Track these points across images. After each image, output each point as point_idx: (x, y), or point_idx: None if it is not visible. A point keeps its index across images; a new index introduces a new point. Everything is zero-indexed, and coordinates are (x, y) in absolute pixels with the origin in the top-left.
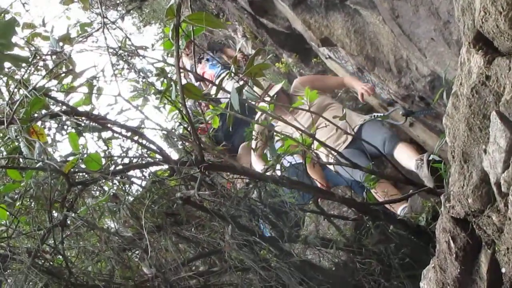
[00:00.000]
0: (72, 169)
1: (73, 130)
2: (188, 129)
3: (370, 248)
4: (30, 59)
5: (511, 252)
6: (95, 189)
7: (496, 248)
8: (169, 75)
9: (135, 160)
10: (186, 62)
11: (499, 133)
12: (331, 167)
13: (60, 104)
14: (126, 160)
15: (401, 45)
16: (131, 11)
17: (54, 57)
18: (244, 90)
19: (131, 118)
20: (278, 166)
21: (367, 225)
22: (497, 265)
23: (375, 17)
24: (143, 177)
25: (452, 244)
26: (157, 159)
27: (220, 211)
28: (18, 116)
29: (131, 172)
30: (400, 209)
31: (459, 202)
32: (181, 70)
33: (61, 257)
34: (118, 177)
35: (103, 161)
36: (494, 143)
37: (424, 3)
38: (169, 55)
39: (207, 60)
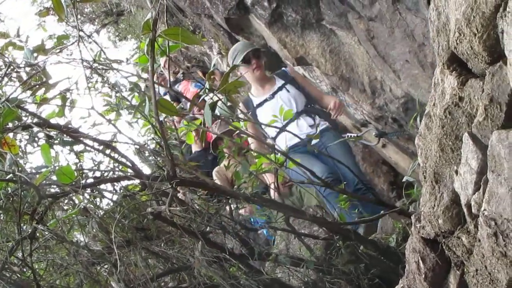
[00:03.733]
0: (43, 181)
1: (45, 142)
2: (161, 144)
3: (340, 268)
4: (3, 70)
5: (480, 273)
6: (65, 202)
7: (465, 270)
8: (144, 90)
9: (106, 174)
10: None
11: (471, 154)
12: None
13: (33, 116)
14: (98, 174)
15: (376, 66)
16: (107, 25)
17: (28, 68)
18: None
19: (103, 131)
20: None
21: (338, 245)
22: (465, 286)
23: (351, 38)
24: (114, 191)
25: (421, 265)
26: (129, 174)
27: (190, 227)
28: None
29: (102, 186)
30: None
31: (430, 222)
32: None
33: (29, 270)
34: (89, 191)
35: (75, 174)
36: (465, 164)
37: (399, 25)
38: (143, 70)
39: (193, 79)
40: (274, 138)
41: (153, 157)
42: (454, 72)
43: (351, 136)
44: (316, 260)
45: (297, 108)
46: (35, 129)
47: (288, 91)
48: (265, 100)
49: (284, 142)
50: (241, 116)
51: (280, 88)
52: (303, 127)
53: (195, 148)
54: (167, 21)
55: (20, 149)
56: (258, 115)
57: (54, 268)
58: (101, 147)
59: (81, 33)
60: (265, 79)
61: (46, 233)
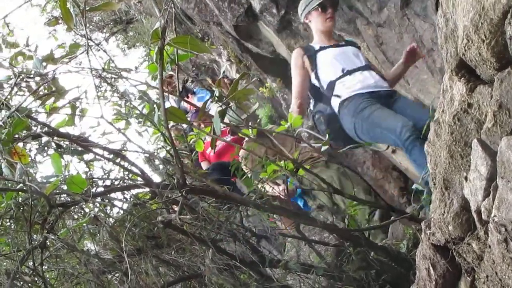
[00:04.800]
0: (53, 191)
1: (54, 151)
2: (171, 152)
3: (350, 275)
4: (13, 80)
5: (490, 280)
6: (76, 211)
7: (476, 276)
8: (153, 99)
9: (116, 183)
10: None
11: (480, 160)
12: None
13: (42, 125)
14: (108, 182)
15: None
16: (116, 33)
17: (37, 78)
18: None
19: (113, 140)
20: None
21: (348, 251)
22: None
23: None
24: (124, 200)
25: (432, 271)
26: (139, 182)
27: (201, 235)
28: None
29: (112, 195)
30: None
31: (440, 229)
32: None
33: (40, 279)
34: (99, 199)
35: (87, 183)
36: (475, 170)
37: (408, 31)
38: (153, 78)
39: (194, 93)
40: (333, 82)
41: (163, 166)
42: (462, 78)
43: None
44: (327, 267)
45: (365, 62)
46: (45, 138)
47: (355, 48)
48: (330, 46)
49: (353, 85)
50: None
51: (347, 44)
52: (378, 80)
53: (205, 165)
54: (176, 29)
55: (30, 159)
56: (317, 58)
57: (65, 277)
58: (111, 156)
59: (90, 42)
60: (332, 34)
61: (57, 242)
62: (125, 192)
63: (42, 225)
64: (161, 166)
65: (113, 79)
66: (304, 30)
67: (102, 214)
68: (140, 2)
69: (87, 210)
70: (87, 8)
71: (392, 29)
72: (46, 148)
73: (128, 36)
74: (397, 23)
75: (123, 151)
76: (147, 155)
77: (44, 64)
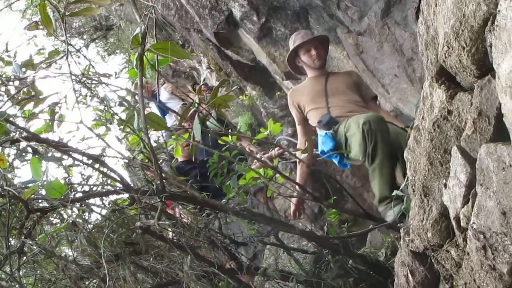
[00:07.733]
0: (31, 196)
1: (32, 157)
2: (150, 158)
3: (329, 282)
4: None
5: (468, 287)
6: (54, 217)
7: (454, 283)
8: (133, 105)
9: (95, 188)
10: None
11: (460, 168)
12: None
13: (21, 130)
14: (86, 188)
15: (365, 80)
16: (96, 39)
17: (17, 82)
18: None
19: (92, 146)
20: None
21: (327, 259)
22: None
23: (340, 52)
24: (103, 205)
25: (410, 278)
26: (118, 188)
27: (179, 241)
28: None
29: (91, 200)
30: None
31: (419, 236)
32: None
33: (17, 284)
34: (78, 205)
35: (65, 188)
36: (454, 177)
37: (388, 40)
38: (133, 84)
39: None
40: None
41: (142, 171)
42: (442, 85)
43: None
44: (305, 274)
45: None
46: (23, 143)
47: None
48: None
49: None
50: None
51: None
52: None
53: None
54: (156, 35)
55: (8, 164)
56: None
57: (42, 283)
58: (90, 161)
59: (70, 48)
60: None
61: (35, 247)
62: (104, 197)
63: (19, 230)
64: (140, 172)
65: (92, 85)
66: (285, 38)
67: (81, 220)
68: (122, 4)
69: (65, 215)
70: (67, 13)
71: (372, 38)
72: (24, 153)
73: (108, 43)
74: (378, 32)
75: (102, 157)
76: (126, 160)
77: (24, 69)
